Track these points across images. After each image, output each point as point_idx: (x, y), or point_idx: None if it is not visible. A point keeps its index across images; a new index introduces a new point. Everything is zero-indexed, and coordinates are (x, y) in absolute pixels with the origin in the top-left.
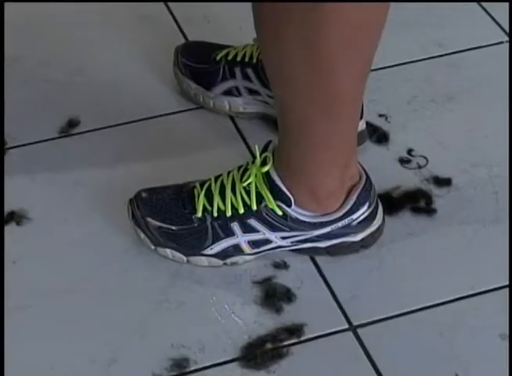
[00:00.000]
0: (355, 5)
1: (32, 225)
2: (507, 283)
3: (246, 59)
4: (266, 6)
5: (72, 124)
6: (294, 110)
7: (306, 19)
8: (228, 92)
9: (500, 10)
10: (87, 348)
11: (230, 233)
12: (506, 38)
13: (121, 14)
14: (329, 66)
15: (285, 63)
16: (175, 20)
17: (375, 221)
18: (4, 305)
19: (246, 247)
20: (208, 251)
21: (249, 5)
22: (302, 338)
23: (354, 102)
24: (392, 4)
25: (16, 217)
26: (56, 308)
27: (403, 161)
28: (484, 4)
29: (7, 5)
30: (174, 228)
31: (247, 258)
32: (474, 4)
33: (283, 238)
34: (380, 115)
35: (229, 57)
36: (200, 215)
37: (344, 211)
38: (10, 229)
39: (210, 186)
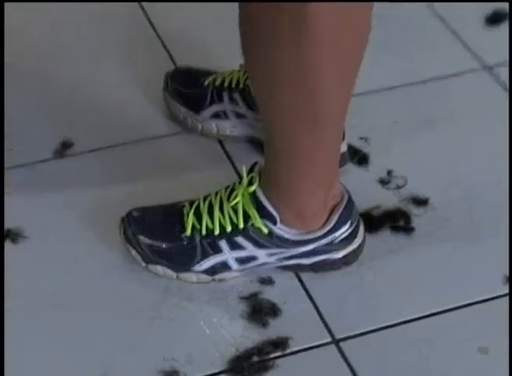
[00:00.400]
0: (333, 6)
1: (27, 243)
2: (485, 297)
3: (233, 85)
4: (252, 14)
5: (65, 145)
6: (281, 127)
7: (292, 25)
8: (216, 116)
9: (477, 38)
10: (78, 363)
11: (218, 250)
12: (480, 66)
13: (110, 40)
14: (314, 75)
15: (272, 79)
16: (164, 46)
17: (356, 239)
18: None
19: (233, 264)
20: (197, 268)
21: (235, 28)
22: (287, 351)
23: (336, 121)
24: (373, 28)
25: (12, 235)
26: (48, 323)
27: (383, 182)
28: (460, 33)
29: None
30: (164, 246)
31: (235, 274)
32: (452, 33)
33: (269, 255)
34: (361, 138)
35: (217, 83)
36: (189, 233)
37: (326, 229)
38: (5, 247)
39: (198, 205)
